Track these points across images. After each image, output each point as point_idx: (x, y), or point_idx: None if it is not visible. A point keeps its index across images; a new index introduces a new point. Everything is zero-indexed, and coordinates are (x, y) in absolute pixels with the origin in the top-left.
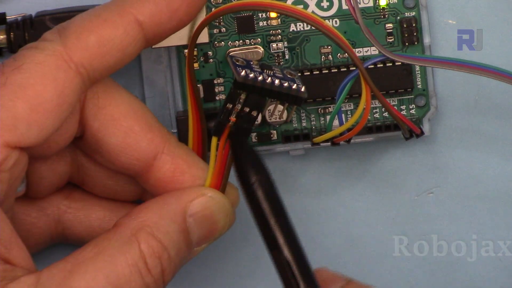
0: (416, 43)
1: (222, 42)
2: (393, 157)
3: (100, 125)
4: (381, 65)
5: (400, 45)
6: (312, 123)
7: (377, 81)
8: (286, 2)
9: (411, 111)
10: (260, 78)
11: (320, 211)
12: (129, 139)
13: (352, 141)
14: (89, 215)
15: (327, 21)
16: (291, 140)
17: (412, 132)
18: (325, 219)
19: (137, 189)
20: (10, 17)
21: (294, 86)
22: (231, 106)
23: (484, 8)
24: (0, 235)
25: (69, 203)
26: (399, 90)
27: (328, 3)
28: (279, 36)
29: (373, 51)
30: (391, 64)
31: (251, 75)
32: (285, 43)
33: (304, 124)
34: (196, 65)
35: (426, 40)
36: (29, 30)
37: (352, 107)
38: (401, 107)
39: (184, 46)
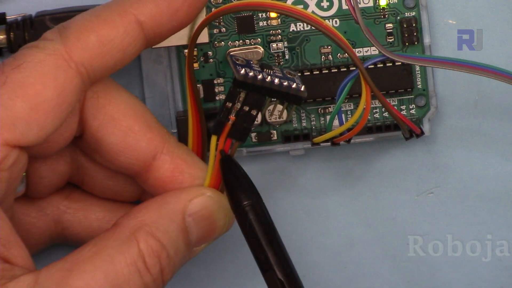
0: (416, 43)
1: (222, 42)
2: (393, 157)
3: (99, 125)
4: (381, 65)
5: (400, 45)
6: (312, 123)
7: (377, 81)
8: (286, 2)
9: (411, 111)
10: (259, 76)
11: (320, 211)
12: (129, 139)
13: (352, 141)
14: (88, 215)
15: (327, 21)
16: (291, 140)
17: (412, 132)
18: (325, 219)
19: (136, 190)
20: (10, 17)
21: (294, 85)
22: (230, 104)
23: (484, 8)
24: None
25: (68, 203)
26: (399, 90)
27: (328, 3)
28: (279, 36)
29: (373, 51)
30: (391, 64)
31: (251, 74)
32: (285, 43)
33: (304, 124)
34: (196, 65)
35: (426, 40)
36: (29, 30)
37: (352, 107)
38: (401, 107)
39: (184, 46)
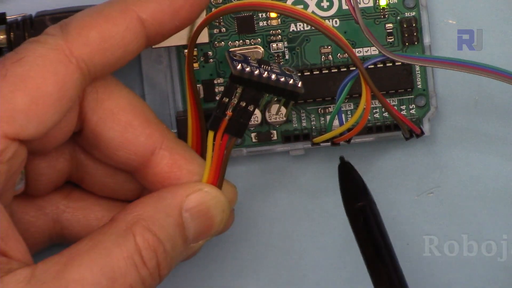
0: (416, 43)
1: (222, 42)
2: (393, 157)
3: (98, 119)
4: (381, 65)
5: (400, 45)
6: (312, 123)
7: (377, 81)
8: (286, 1)
9: (411, 111)
10: (256, 72)
11: (320, 211)
12: (128, 134)
13: (352, 141)
14: (87, 215)
15: (327, 21)
16: (291, 140)
17: (412, 132)
18: (325, 219)
19: (135, 188)
20: (10, 17)
21: (291, 81)
22: (227, 100)
23: (484, 8)
24: None
25: (67, 202)
26: (399, 90)
27: (328, 3)
28: (279, 36)
29: (373, 51)
30: (391, 64)
31: (248, 69)
32: (285, 43)
33: (304, 124)
34: (196, 65)
35: (426, 40)
36: (29, 30)
37: (352, 107)
38: (401, 107)
39: (184, 46)
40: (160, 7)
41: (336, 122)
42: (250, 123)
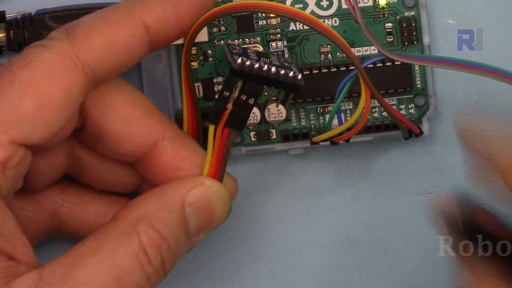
0: (415, 42)
1: (222, 41)
2: (393, 157)
3: (101, 114)
4: (381, 65)
5: (400, 45)
6: (311, 122)
7: (377, 81)
8: (285, 1)
9: (410, 111)
10: (256, 65)
11: (320, 210)
12: (131, 126)
13: (351, 140)
14: (85, 209)
15: (326, 21)
16: (290, 139)
17: (411, 132)
18: (325, 218)
19: (133, 181)
20: (9, 15)
21: (291, 74)
22: (228, 93)
23: (484, 8)
24: (5, 231)
25: (65, 197)
26: (398, 90)
27: (327, 2)
28: (279, 35)
29: (372, 50)
30: (390, 64)
31: (248, 63)
32: (285, 42)
33: (303, 123)
34: (195, 63)
35: (426, 39)
36: (28, 28)
37: (351, 107)
38: (400, 106)
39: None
40: (165, 13)
41: (335, 121)
42: (249, 122)
